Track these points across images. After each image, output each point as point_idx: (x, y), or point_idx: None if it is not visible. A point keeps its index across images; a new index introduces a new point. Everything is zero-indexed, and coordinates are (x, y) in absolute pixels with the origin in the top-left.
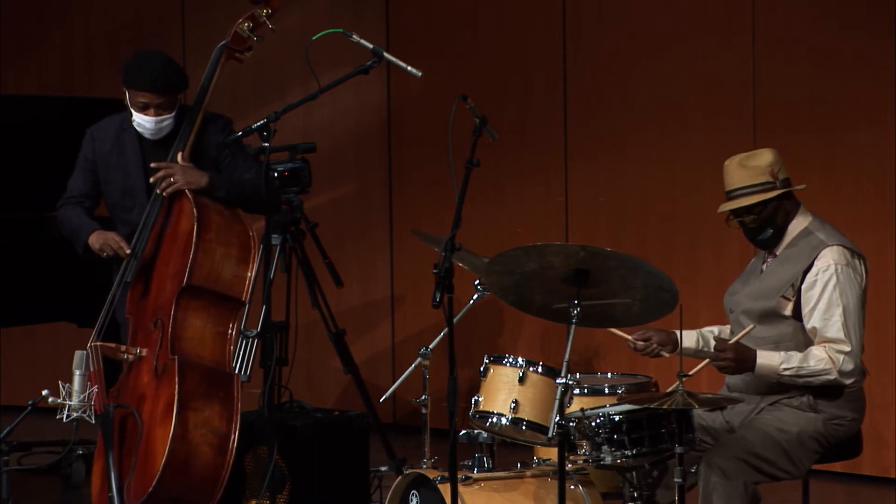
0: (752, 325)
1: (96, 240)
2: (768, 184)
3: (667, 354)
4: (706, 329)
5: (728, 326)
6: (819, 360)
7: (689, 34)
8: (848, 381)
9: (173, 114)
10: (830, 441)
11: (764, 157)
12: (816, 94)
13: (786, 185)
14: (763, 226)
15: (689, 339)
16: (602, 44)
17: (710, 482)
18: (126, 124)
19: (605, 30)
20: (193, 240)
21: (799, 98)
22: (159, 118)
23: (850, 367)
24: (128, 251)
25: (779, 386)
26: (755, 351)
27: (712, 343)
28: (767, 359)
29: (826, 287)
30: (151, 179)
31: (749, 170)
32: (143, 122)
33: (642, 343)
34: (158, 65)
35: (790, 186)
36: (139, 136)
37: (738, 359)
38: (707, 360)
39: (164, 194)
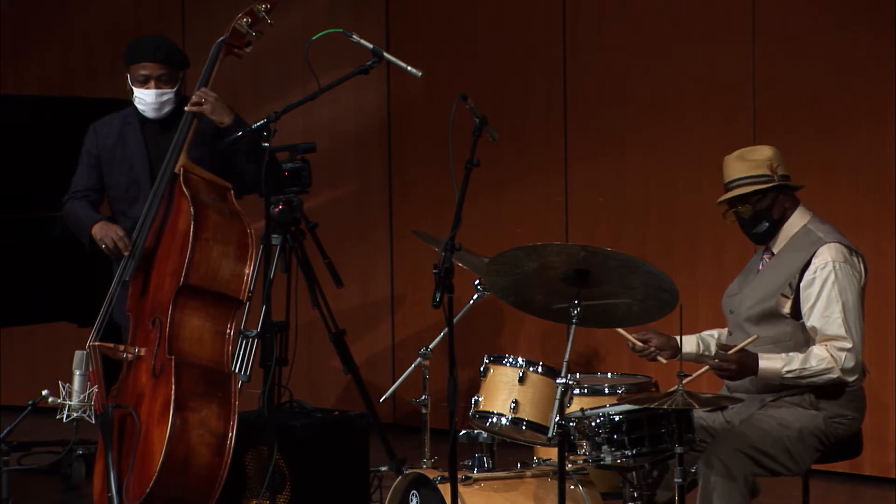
0: (755, 336)
1: (99, 230)
2: (765, 177)
3: (664, 360)
4: (706, 333)
5: (727, 329)
6: (821, 359)
7: (689, 34)
8: (850, 378)
9: (174, 89)
10: (831, 439)
11: (763, 152)
12: (816, 93)
13: (784, 181)
14: (758, 218)
15: (689, 343)
16: (602, 44)
17: (709, 481)
18: (129, 118)
19: (605, 30)
20: (190, 239)
21: (799, 98)
22: (160, 91)
23: (851, 363)
24: (125, 252)
25: (780, 385)
26: (757, 356)
27: (713, 347)
28: (769, 362)
29: (825, 284)
30: (187, 107)
31: (748, 162)
32: (143, 96)
33: (641, 345)
34: (158, 39)
35: (788, 182)
36: (143, 128)
37: (740, 369)
38: (707, 367)
39: (187, 109)
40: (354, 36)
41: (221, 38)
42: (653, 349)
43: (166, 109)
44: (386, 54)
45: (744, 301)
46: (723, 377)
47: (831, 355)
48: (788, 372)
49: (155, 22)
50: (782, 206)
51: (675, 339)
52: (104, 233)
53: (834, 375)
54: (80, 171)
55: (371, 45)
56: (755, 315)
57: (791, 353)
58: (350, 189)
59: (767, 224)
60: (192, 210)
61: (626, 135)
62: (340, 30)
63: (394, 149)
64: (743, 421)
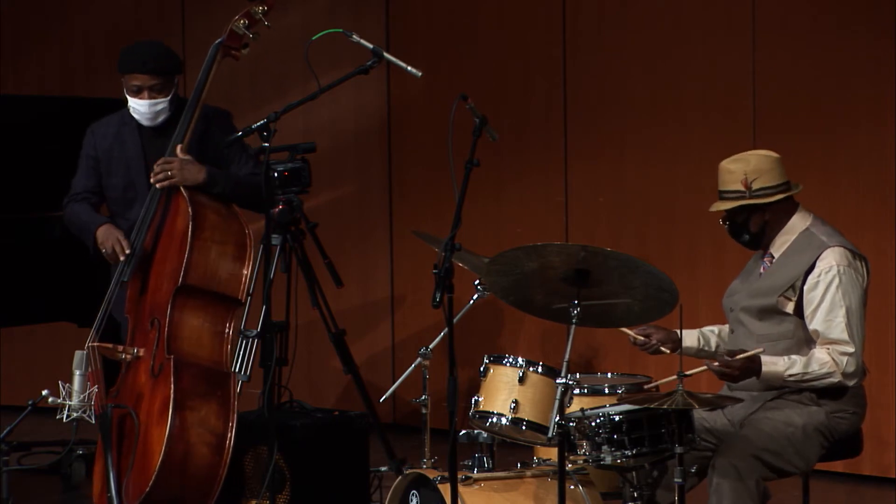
0: (761, 348)
1: (101, 233)
2: (738, 193)
3: (667, 351)
4: (707, 328)
5: (727, 326)
6: (822, 363)
7: (689, 34)
8: (851, 383)
9: (168, 98)
10: (834, 434)
11: (743, 164)
12: (816, 93)
13: (759, 196)
14: (737, 231)
15: (690, 338)
16: (602, 44)
17: (719, 483)
18: (127, 119)
19: (605, 30)
20: (188, 239)
21: (799, 98)
22: (153, 101)
23: (853, 368)
24: (122, 257)
25: (781, 385)
26: (760, 359)
27: (713, 342)
28: (772, 367)
29: (829, 288)
30: (152, 178)
31: (728, 174)
32: (137, 106)
33: (642, 339)
34: (150, 48)
35: (766, 197)
36: (139, 129)
37: (743, 375)
38: (704, 367)
39: (158, 186)
40: (354, 36)
41: (218, 40)
42: (655, 343)
43: (161, 118)
44: (386, 54)
45: (744, 299)
46: (724, 380)
47: (833, 359)
48: (791, 375)
49: (155, 22)
50: (760, 219)
51: (676, 333)
52: (105, 237)
53: (835, 379)
54: (79, 173)
55: (371, 45)
56: (755, 312)
57: (793, 357)
58: (350, 189)
59: (747, 237)
60: (190, 210)
61: (626, 135)
62: (340, 30)
63: (394, 149)
64: (746, 424)
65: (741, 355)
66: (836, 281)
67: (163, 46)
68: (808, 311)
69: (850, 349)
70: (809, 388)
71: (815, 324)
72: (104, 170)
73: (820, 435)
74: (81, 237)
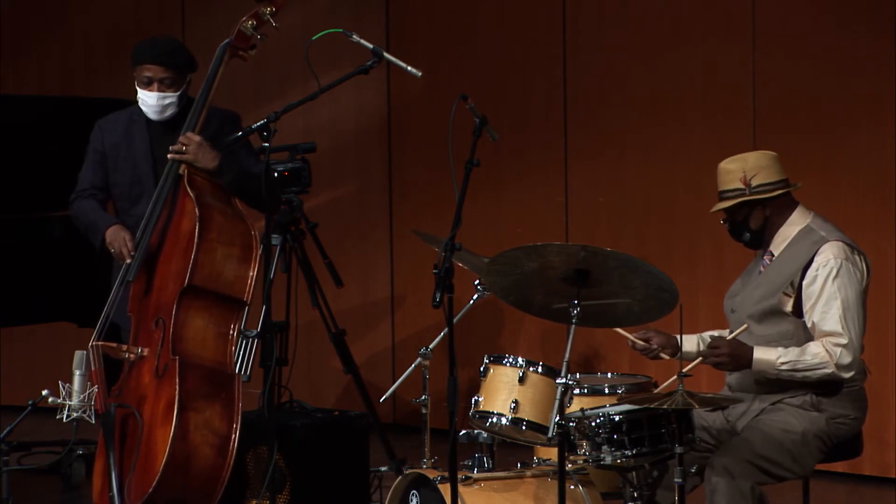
0: (745, 325)
1: (110, 233)
2: (738, 191)
3: (667, 357)
4: (707, 333)
5: (728, 330)
6: (815, 354)
7: (689, 34)
8: (846, 375)
9: (178, 93)
10: (834, 440)
11: (741, 162)
12: (816, 93)
13: (759, 192)
14: (738, 230)
15: (690, 343)
16: (602, 44)
17: (716, 484)
18: (135, 116)
19: (605, 30)
20: (195, 240)
21: (799, 98)
22: (162, 94)
23: (847, 359)
24: (128, 260)
25: (780, 385)
26: (752, 347)
27: None
28: (764, 354)
29: (826, 282)
30: (169, 154)
31: (727, 174)
32: (146, 98)
33: (642, 344)
34: (166, 42)
35: (766, 193)
36: (148, 126)
37: (733, 354)
38: (700, 358)
39: (170, 157)
40: (354, 36)
41: (226, 40)
42: (655, 348)
43: (169, 112)
44: (386, 54)
45: (745, 300)
46: (717, 367)
47: (826, 350)
48: (783, 363)
49: (155, 22)
50: (761, 215)
51: (676, 338)
52: (113, 237)
53: (828, 370)
54: (85, 169)
55: (371, 45)
56: (757, 313)
57: (788, 348)
58: (350, 189)
59: (749, 234)
60: (196, 211)
61: (626, 135)
62: (340, 30)
63: (394, 149)
64: (746, 428)
65: (728, 337)
66: (833, 274)
67: (178, 43)
68: (806, 307)
69: (844, 340)
70: (803, 382)
71: (812, 318)
72: (111, 165)
73: (819, 441)
74: (88, 235)
